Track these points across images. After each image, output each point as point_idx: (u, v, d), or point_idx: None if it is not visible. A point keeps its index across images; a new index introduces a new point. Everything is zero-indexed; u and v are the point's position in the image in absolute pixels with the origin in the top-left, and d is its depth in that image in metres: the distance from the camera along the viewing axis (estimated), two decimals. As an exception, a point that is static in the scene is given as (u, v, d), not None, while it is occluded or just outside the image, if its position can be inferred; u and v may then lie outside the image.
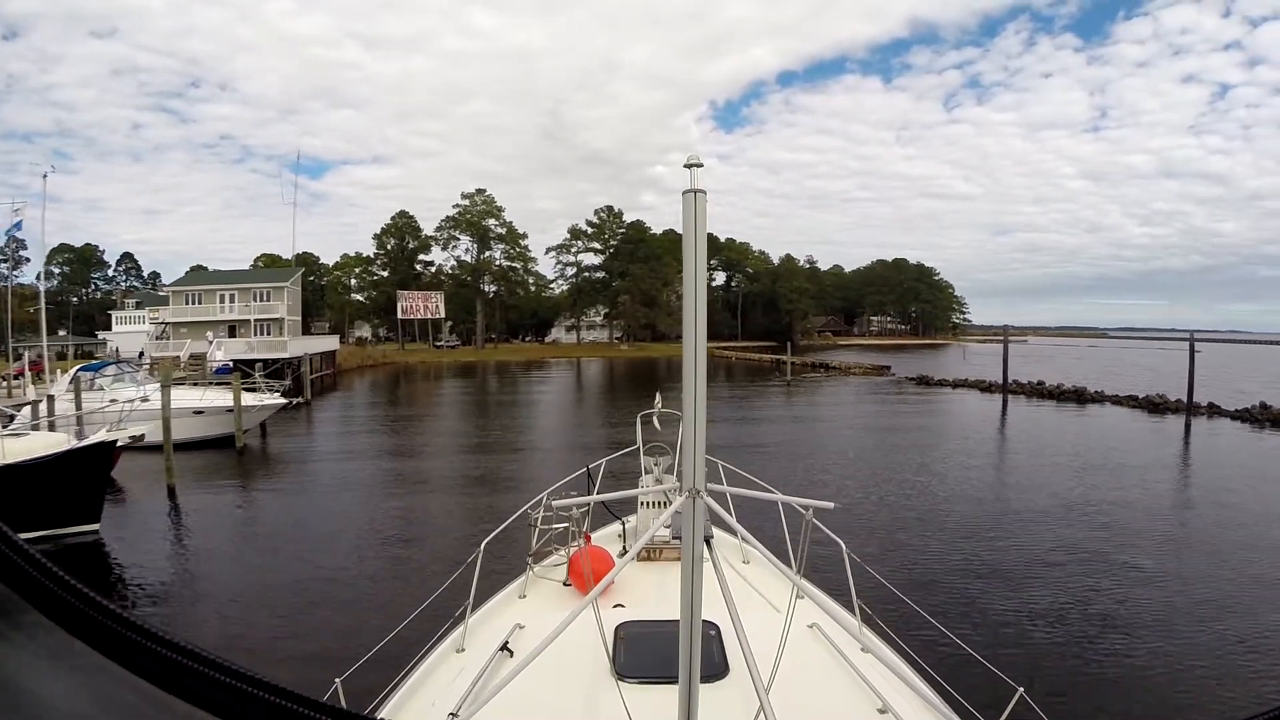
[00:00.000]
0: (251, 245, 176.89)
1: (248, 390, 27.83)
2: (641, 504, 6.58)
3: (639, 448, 7.18)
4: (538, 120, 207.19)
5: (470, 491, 19.61)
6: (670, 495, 5.46)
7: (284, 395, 29.66)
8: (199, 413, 25.62)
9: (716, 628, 4.12)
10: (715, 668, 3.87)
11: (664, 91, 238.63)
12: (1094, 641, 9.91)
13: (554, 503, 6.12)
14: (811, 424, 33.80)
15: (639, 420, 7.27)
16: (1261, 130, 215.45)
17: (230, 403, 25.82)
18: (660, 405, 7.17)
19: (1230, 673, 9.04)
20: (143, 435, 17.49)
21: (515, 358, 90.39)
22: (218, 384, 30.48)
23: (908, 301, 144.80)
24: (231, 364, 39.74)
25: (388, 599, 11.17)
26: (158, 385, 22.19)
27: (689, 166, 2.18)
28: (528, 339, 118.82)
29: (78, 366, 28.28)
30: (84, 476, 14.44)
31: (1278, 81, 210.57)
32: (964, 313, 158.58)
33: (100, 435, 15.49)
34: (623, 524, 7.14)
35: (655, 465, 6.95)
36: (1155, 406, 37.98)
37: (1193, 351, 37.41)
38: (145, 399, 21.60)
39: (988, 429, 32.44)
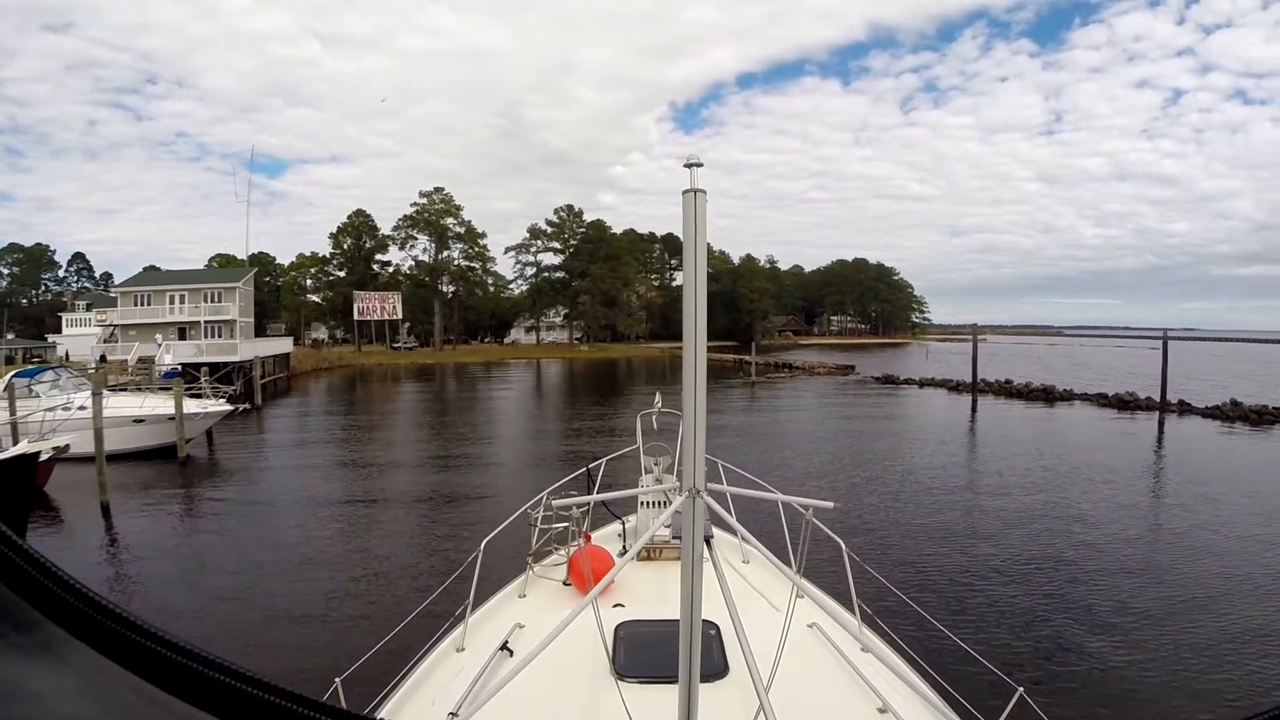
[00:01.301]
0: (207, 245, 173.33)
1: (192, 396, 26.64)
2: (641, 503, 6.60)
3: (639, 447, 7.12)
4: (495, 121, 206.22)
5: (431, 504, 18.67)
6: (670, 495, 5.44)
7: (230, 401, 28.19)
8: (139, 421, 24.23)
9: (716, 627, 4.10)
10: (715, 667, 3.86)
11: (623, 92, 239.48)
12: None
13: (554, 502, 6.12)
14: (780, 425, 33.59)
15: (639, 420, 7.23)
16: (1213, 134, 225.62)
17: (173, 410, 24.50)
18: (660, 405, 7.18)
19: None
20: (67, 446, 16.37)
21: (474, 359, 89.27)
22: (162, 389, 29.15)
23: (868, 301, 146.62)
24: (180, 368, 38.29)
25: (343, 626, 10.51)
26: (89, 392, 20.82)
27: (689, 166, 2.13)
28: (486, 340, 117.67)
29: (12, 372, 26.73)
30: (3, 493, 13.22)
31: (1229, 87, 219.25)
32: (924, 312, 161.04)
33: (20, 448, 14.42)
34: (623, 523, 7.09)
35: (655, 465, 6.95)
36: (1125, 404, 38.22)
37: (1166, 349, 37.54)
38: (81, 407, 20.36)
39: (963, 428, 32.54)
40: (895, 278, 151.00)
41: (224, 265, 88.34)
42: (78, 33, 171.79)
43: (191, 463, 23.89)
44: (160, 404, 25.36)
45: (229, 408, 26.96)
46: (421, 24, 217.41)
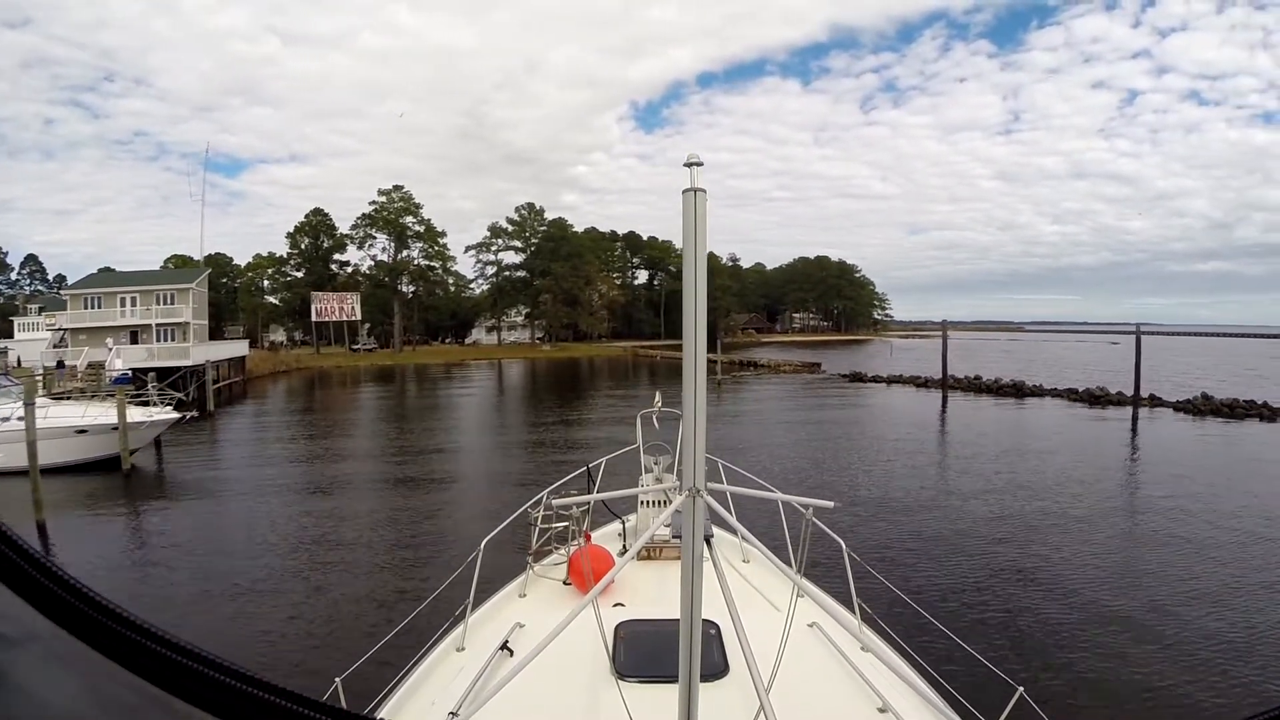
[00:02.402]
0: (166, 247, 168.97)
1: (139, 404, 25.48)
2: (642, 503, 6.65)
3: (639, 446, 7.15)
4: (458, 120, 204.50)
5: (394, 514, 17.72)
6: (670, 494, 5.43)
7: (178, 408, 26.59)
8: (81, 431, 23.00)
9: (716, 627, 4.14)
10: (715, 667, 3.88)
11: (586, 92, 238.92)
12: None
13: (554, 501, 6.12)
14: (752, 425, 33.14)
15: (639, 419, 7.24)
16: (1169, 134, 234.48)
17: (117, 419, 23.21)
18: (660, 405, 7.21)
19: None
20: None
21: (435, 360, 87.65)
22: (108, 396, 27.79)
23: (830, 299, 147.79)
24: (130, 373, 36.80)
25: (299, 661, 9.80)
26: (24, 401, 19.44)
27: (689, 165, 2.13)
28: (447, 340, 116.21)
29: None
30: None
31: (1185, 88, 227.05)
32: (886, 309, 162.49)
33: None
34: (623, 523, 7.10)
35: (655, 464, 6.99)
36: (1096, 399, 38.39)
37: (1139, 344, 37.87)
38: (19, 418, 19.17)
39: (939, 426, 32.57)
40: (857, 275, 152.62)
41: (180, 266, 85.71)
42: (36, 29, 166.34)
43: (137, 474, 22.81)
44: (104, 413, 24.07)
45: (176, 415, 25.55)
46: (384, 22, 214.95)
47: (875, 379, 53.07)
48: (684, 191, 2.12)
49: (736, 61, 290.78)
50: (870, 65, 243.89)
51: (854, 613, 5.11)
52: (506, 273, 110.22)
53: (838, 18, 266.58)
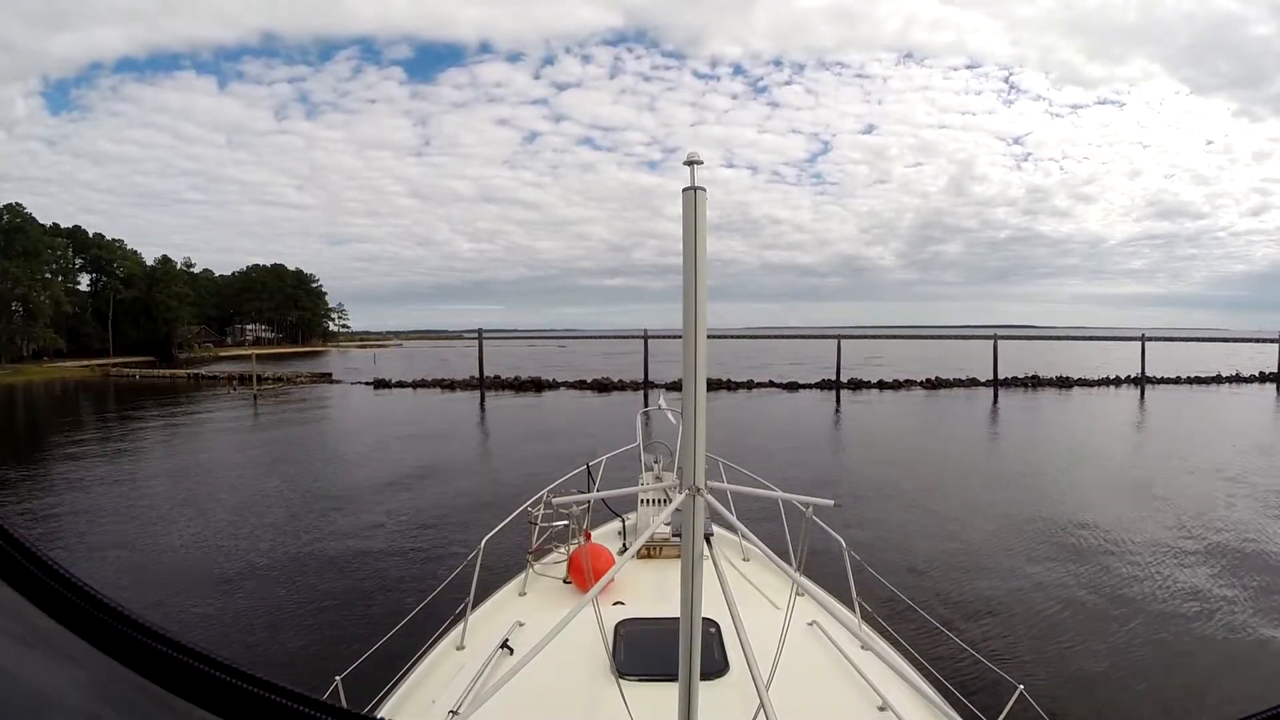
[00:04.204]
0: None
1: None
2: (641, 501, 6.68)
3: (639, 445, 7.14)
4: None
5: None
6: (670, 493, 5.35)
7: None
8: None
9: (716, 625, 4.15)
10: (715, 665, 3.89)
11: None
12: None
13: (554, 500, 6.08)
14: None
15: (639, 418, 7.23)
16: (567, 171, 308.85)
17: None
18: (662, 404, 7.25)
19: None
20: None
21: None
22: None
23: (288, 309, 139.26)
24: None
25: None
26: None
27: (689, 164, 2.06)
28: None
29: None
30: None
31: (579, 134, 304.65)
32: (344, 319, 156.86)
33: None
34: (623, 521, 7.13)
35: (655, 463, 7.00)
36: (604, 387, 47.69)
37: (647, 346, 50.39)
38: None
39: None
40: (315, 285, 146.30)
41: None
42: None
43: None
44: None
45: None
46: None
47: (400, 384, 55.52)
48: (684, 190, 2.05)
49: (161, 50, 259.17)
50: (285, 75, 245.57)
51: (854, 611, 5.16)
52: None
53: (269, 24, 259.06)
